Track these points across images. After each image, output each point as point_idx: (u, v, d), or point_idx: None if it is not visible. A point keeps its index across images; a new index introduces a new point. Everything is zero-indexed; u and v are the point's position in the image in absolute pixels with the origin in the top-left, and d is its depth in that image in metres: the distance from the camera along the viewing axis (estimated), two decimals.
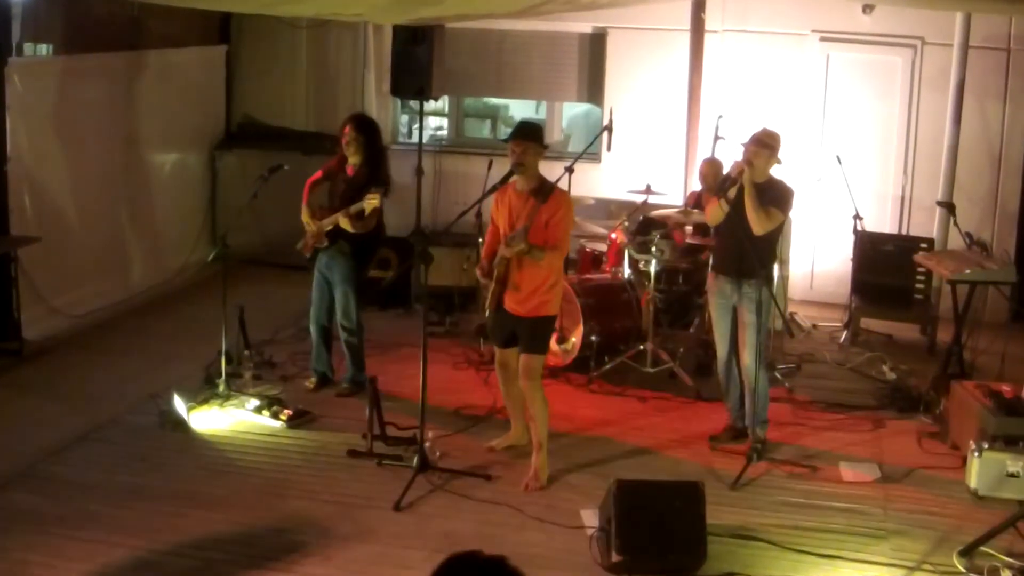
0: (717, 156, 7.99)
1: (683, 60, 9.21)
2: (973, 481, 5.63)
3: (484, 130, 11.46)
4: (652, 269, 7.33)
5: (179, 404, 6.31)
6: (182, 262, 9.47)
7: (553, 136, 10.04)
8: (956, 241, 7.96)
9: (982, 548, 4.97)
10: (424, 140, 8.30)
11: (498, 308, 5.76)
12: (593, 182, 9.35)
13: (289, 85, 10.41)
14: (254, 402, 6.57)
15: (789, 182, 6.13)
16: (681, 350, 7.55)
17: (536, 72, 10.03)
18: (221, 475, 5.72)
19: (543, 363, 5.92)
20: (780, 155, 6.04)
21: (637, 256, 7.54)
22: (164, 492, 5.48)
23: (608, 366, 7.29)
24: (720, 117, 8.28)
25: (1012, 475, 5.56)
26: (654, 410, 6.91)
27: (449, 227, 6.44)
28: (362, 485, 5.64)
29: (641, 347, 7.35)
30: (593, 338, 7.26)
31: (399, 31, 7.31)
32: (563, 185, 6.24)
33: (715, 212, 6.09)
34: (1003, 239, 8.78)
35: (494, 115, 11.62)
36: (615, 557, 4.75)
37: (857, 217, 8.38)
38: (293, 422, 6.39)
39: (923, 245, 8.28)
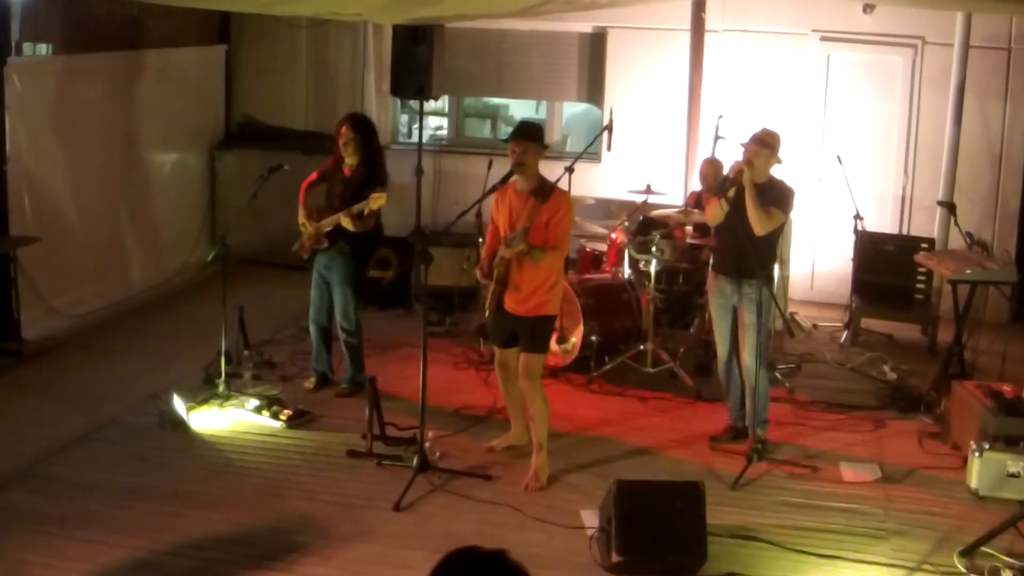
0: (717, 156, 7.99)
1: (683, 60, 9.20)
2: (974, 481, 5.62)
3: (484, 130, 11.45)
4: (652, 269, 7.32)
5: (179, 404, 6.30)
6: (182, 262, 9.46)
7: (553, 136, 10.03)
8: (957, 241, 7.96)
9: (983, 548, 4.96)
10: (424, 140, 8.29)
11: (498, 308, 5.75)
12: (593, 182, 9.34)
13: (289, 85, 10.41)
14: (254, 402, 6.56)
15: (790, 182, 6.13)
16: (681, 350, 7.54)
17: (536, 72, 10.03)
18: (221, 475, 5.72)
19: (543, 363, 5.91)
20: (780, 155, 6.04)
21: (637, 256, 7.53)
22: (164, 492, 5.47)
23: (608, 366, 7.28)
24: (720, 117, 8.27)
25: (1013, 475, 5.56)
26: (654, 410, 6.90)
27: (449, 227, 6.43)
28: (362, 485, 5.64)
29: (641, 347, 7.35)
30: (593, 338, 7.26)
31: (399, 31, 7.30)
32: (563, 185, 6.23)
33: (715, 212, 6.09)
34: (1004, 239, 8.77)
35: (494, 115, 11.61)
36: (615, 557, 4.75)
37: (858, 217, 8.37)
38: (293, 422, 6.39)
39: (924, 245, 8.28)
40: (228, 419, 6.45)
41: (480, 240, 7.24)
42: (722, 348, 6.29)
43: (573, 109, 10.84)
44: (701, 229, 7.66)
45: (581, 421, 6.62)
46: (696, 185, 8.33)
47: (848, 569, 4.93)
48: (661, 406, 6.96)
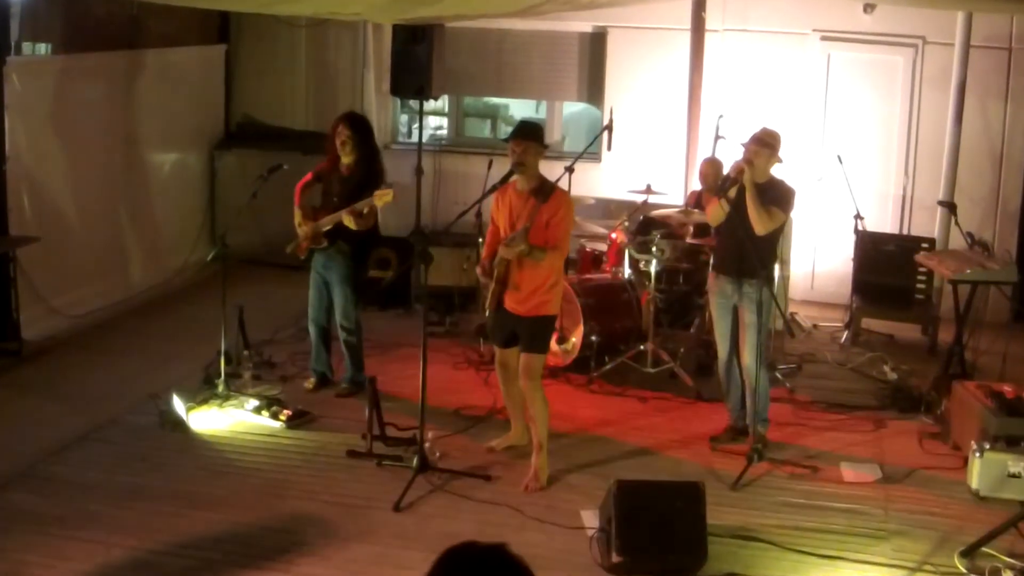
0: (717, 156, 7.98)
1: (683, 59, 9.19)
2: (974, 482, 5.61)
3: (484, 130, 11.44)
4: (652, 269, 7.31)
5: (178, 404, 6.29)
6: (181, 262, 9.46)
7: (553, 136, 10.02)
8: (957, 241, 7.95)
9: (983, 549, 4.95)
10: (424, 140, 8.28)
11: (498, 308, 5.74)
12: (593, 182, 9.34)
13: (288, 85, 10.41)
14: (253, 402, 6.56)
15: (790, 182, 6.12)
16: (682, 350, 7.53)
17: (536, 71, 10.02)
18: (220, 475, 5.71)
19: (543, 363, 5.90)
20: (781, 154, 6.03)
21: (637, 256, 7.52)
22: (163, 492, 5.46)
23: (608, 366, 7.28)
24: (721, 116, 8.26)
25: (1013, 476, 5.55)
26: (654, 410, 6.90)
27: (449, 227, 6.42)
28: (362, 486, 5.63)
29: (641, 347, 7.34)
30: (593, 338, 7.25)
31: (399, 30, 7.29)
32: (563, 185, 6.22)
33: (716, 212, 6.08)
34: (1004, 239, 8.76)
35: (494, 115, 11.60)
36: (615, 558, 4.74)
37: (858, 217, 8.36)
38: (292, 422, 6.38)
39: (924, 245, 8.27)
40: (228, 419, 6.44)
41: (480, 240, 7.23)
42: (722, 348, 6.29)
43: (569, 109, 10.83)
44: (701, 229, 7.65)
45: (581, 421, 6.61)
46: (696, 185, 8.32)
47: (849, 569, 4.92)
48: (661, 406, 6.95)
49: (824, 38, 9.14)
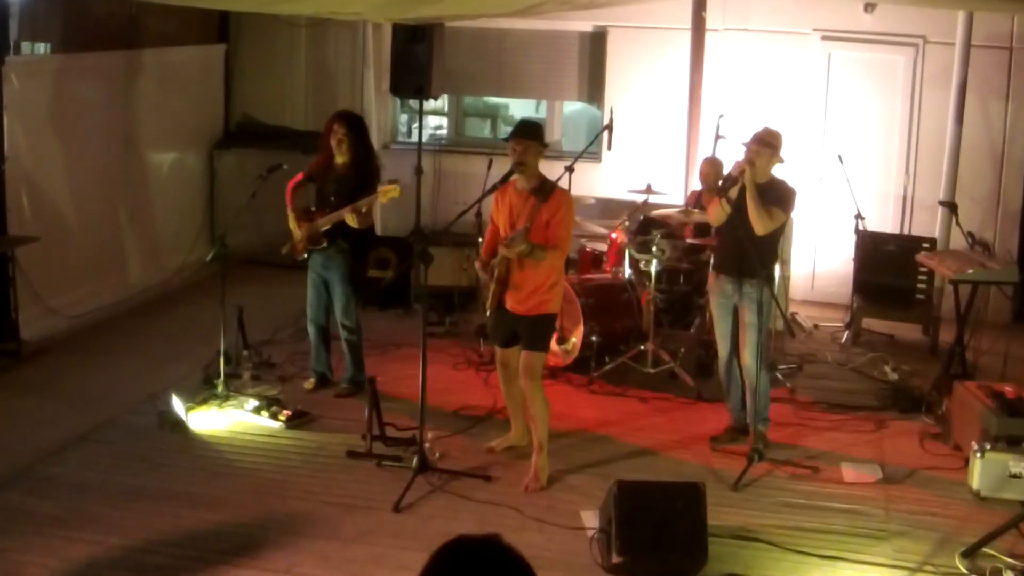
0: (718, 155, 7.97)
1: (684, 59, 9.18)
2: (975, 482, 5.60)
3: (484, 129, 11.44)
4: (653, 269, 7.30)
5: (177, 405, 6.28)
6: (180, 262, 9.44)
7: (553, 135, 10.02)
8: (958, 241, 7.94)
9: (984, 549, 4.94)
10: (424, 139, 8.26)
11: (499, 307, 5.73)
12: (593, 181, 9.33)
13: (288, 84, 10.40)
14: (253, 403, 6.54)
15: (791, 182, 6.11)
16: (682, 350, 7.52)
17: (536, 71, 10.01)
18: (219, 476, 5.70)
19: (544, 362, 5.89)
20: (782, 155, 6.02)
21: (638, 256, 7.51)
22: (162, 493, 5.45)
23: (609, 366, 7.26)
24: (721, 116, 8.26)
25: (1014, 476, 5.54)
26: (655, 410, 6.88)
27: (449, 227, 6.41)
28: (361, 486, 5.62)
29: (642, 347, 7.33)
30: (593, 338, 7.24)
31: (398, 30, 7.28)
32: (563, 184, 6.21)
33: (717, 212, 6.07)
34: (1005, 239, 8.76)
35: (494, 114, 11.60)
36: (616, 558, 4.73)
37: (859, 217, 8.35)
38: (292, 423, 6.37)
39: (925, 245, 8.25)
40: (227, 420, 6.43)
41: (480, 240, 7.22)
42: (723, 348, 6.27)
43: (567, 108, 10.82)
44: (701, 229, 7.64)
45: (581, 421, 6.60)
46: (697, 185, 8.31)
47: (849, 570, 4.91)
48: (662, 406, 6.94)
49: (825, 38, 9.13)
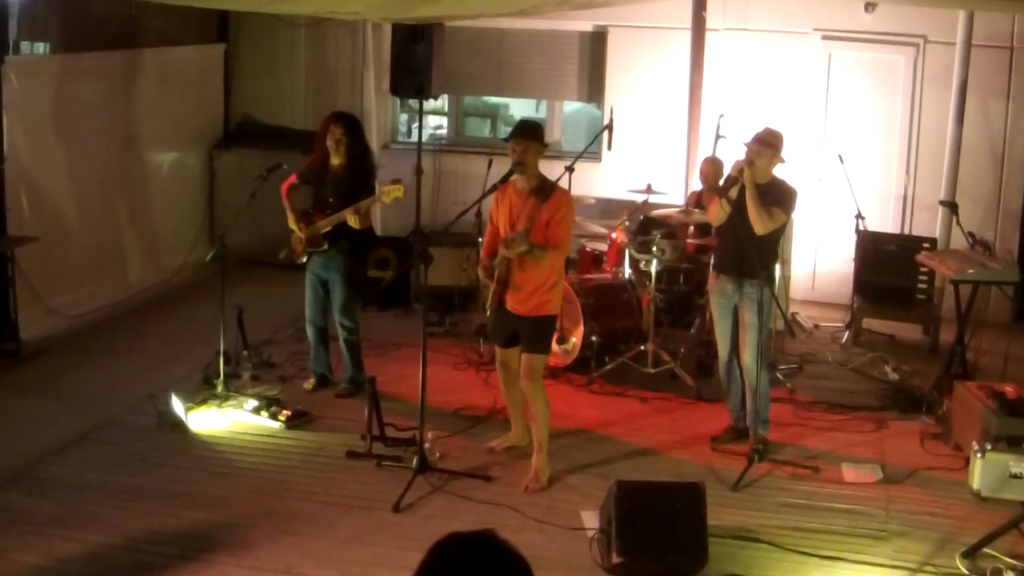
0: (718, 155, 7.96)
1: (684, 58, 9.17)
2: (976, 482, 5.60)
3: (484, 129, 11.43)
4: (653, 269, 7.29)
5: (177, 405, 6.28)
6: (180, 262, 9.44)
7: (553, 135, 10.01)
8: (959, 241, 7.93)
9: (985, 550, 4.94)
10: (424, 139, 8.26)
11: (499, 308, 5.73)
12: (593, 181, 9.32)
13: (288, 84, 10.39)
14: (252, 403, 6.54)
15: (792, 182, 6.10)
16: (682, 350, 7.51)
17: (536, 71, 10.01)
18: (219, 476, 5.69)
19: (545, 363, 5.88)
20: (783, 155, 6.01)
21: (638, 256, 7.50)
22: (162, 493, 5.44)
23: (609, 366, 7.26)
24: (721, 116, 8.26)
25: (1015, 476, 5.53)
26: (655, 411, 6.88)
27: (449, 227, 6.41)
28: (361, 486, 5.61)
29: (642, 347, 7.32)
30: (594, 338, 7.23)
31: (398, 29, 7.27)
32: (563, 184, 6.20)
33: (718, 212, 6.06)
34: (1006, 239, 8.75)
35: (494, 114, 11.59)
36: (616, 559, 4.72)
37: (859, 217, 8.34)
38: (292, 423, 6.36)
39: (925, 245, 8.25)
40: (227, 420, 6.42)
41: (480, 240, 7.21)
42: (723, 348, 6.27)
43: (568, 108, 10.82)
44: (701, 229, 7.64)
45: (581, 421, 6.59)
46: (697, 185, 8.31)
47: (849, 570, 4.90)
48: (662, 406, 6.93)
49: (825, 37, 9.12)
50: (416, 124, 9.20)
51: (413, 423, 5.84)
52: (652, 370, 7.25)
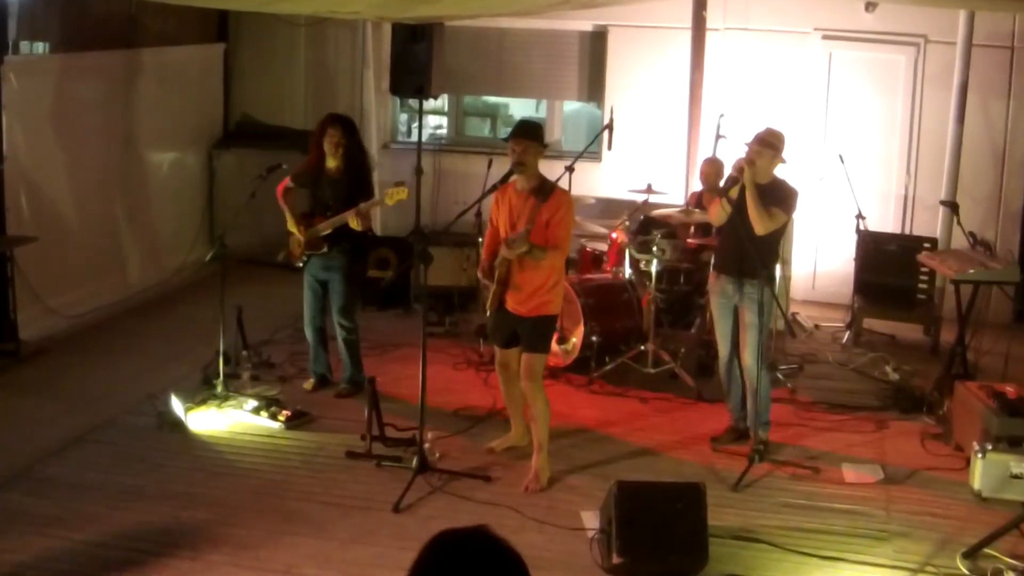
0: (718, 155, 7.95)
1: (684, 58, 9.16)
2: (977, 482, 5.59)
3: (484, 129, 11.42)
4: (653, 269, 7.28)
5: (177, 405, 6.27)
6: (180, 262, 9.43)
7: (553, 135, 10.00)
8: (960, 241, 7.92)
9: (986, 550, 4.93)
10: (423, 139, 8.25)
11: (499, 308, 5.72)
12: (594, 181, 9.31)
13: (287, 84, 10.39)
14: (252, 403, 6.53)
15: (793, 182, 6.09)
16: (682, 350, 7.51)
17: (536, 70, 10.00)
18: (219, 476, 5.68)
19: (545, 363, 5.88)
20: (784, 155, 6.00)
21: (638, 256, 7.50)
22: (162, 493, 5.44)
23: (609, 367, 7.25)
24: (722, 116, 8.25)
25: (1016, 476, 5.53)
26: (655, 411, 6.87)
27: (449, 227, 6.40)
28: (361, 486, 5.60)
29: (642, 347, 7.31)
30: (594, 338, 7.22)
31: (398, 29, 7.27)
32: (563, 184, 6.20)
33: (718, 212, 6.05)
34: (1007, 239, 8.74)
35: (494, 114, 11.59)
36: (616, 559, 4.71)
37: (860, 216, 8.33)
38: (291, 423, 6.35)
39: (926, 245, 8.24)
40: (226, 420, 6.41)
41: (480, 240, 7.21)
42: (723, 348, 6.26)
43: (568, 108, 10.80)
44: (702, 229, 7.63)
45: (582, 422, 6.59)
46: (697, 184, 8.30)
47: (850, 571, 4.89)
48: (662, 407, 6.93)
49: (825, 37, 9.12)
50: (416, 124, 9.20)
51: (413, 423, 5.83)
52: (652, 370, 7.24)
